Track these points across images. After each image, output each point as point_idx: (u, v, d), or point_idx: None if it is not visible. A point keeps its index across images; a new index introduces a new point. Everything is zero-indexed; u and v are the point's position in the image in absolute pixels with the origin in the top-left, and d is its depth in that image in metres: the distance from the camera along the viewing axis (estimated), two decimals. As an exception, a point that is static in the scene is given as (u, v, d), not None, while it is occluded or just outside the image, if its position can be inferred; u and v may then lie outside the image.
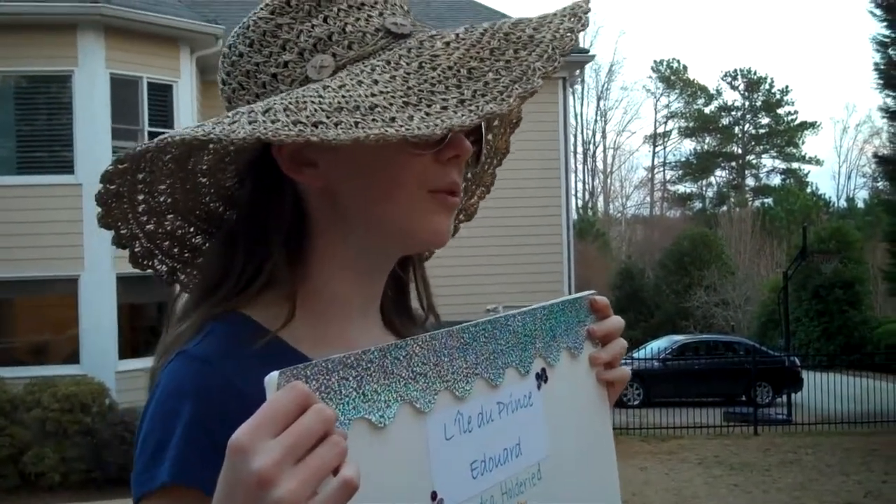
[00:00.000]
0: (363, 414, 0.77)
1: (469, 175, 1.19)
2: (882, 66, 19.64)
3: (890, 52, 19.38)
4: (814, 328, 28.92)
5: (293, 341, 0.98)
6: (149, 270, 1.11)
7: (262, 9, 1.01)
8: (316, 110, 0.86)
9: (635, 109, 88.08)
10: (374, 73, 0.91)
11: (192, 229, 1.10)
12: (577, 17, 0.96)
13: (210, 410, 0.87)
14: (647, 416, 17.38)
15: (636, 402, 20.32)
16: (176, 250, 1.11)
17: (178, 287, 1.13)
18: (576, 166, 50.68)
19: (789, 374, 20.91)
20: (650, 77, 64.70)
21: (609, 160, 57.99)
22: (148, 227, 1.07)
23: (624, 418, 17.31)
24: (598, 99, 58.70)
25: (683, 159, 59.95)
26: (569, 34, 0.94)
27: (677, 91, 60.39)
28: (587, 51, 19.44)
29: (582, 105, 56.31)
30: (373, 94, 0.87)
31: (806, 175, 59.31)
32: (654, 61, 65.60)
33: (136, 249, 1.08)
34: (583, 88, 55.42)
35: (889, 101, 19.93)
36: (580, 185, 55.10)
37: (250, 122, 0.85)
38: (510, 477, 0.91)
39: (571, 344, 1.03)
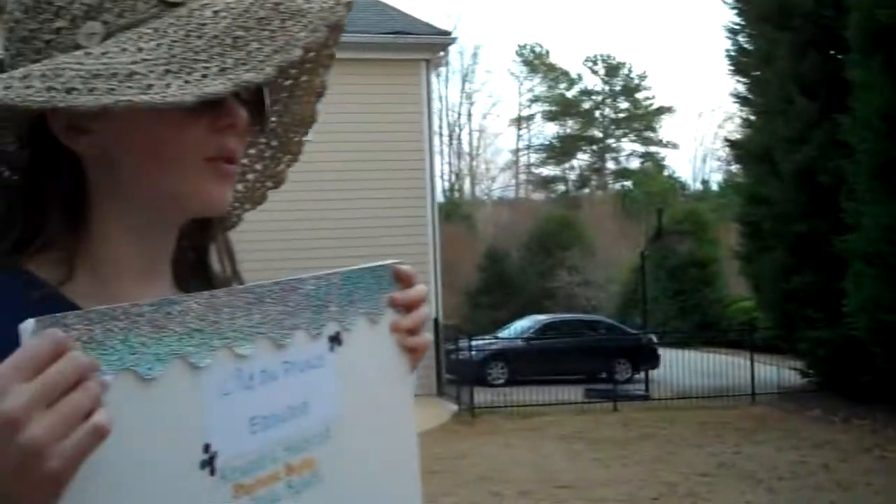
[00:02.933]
0: (129, 365, 0.77)
1: (274, 143, 1.21)
2: (733, 53, 20.33)
3: (740, 38, 20.05)
4: (670, 307, 29.91)
5: (76, 299, 0.97)
6: None
7: None
8: (73, 77, 0.86)
9: (500, 93, 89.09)
10: (139, 41, 0.90)
11: None
12: None
13: None
14: (511, 395, 17.64)
15: (501, 381, 20.63)
16: None
17: None
18: (441, 148, 50.98)
19: (647, 351, 21.61)
20: (514, 61, 65.68)
21: (475, 142, 58.60)
22: None
23: (489, 397, 17.51)
24: (463, 81, 59.19)
25: (547, 143, 61.09)
26: (337, 7, 0.96)
27: (540, 75, 61.38)
28: (450, 33, 19.38)
29: (447, 87, 56.63)
30: (134, 62, 0.87)
31: (663, 159, 61.29)
32: (518, 45, 66.46)
33: None
34: (447, 70, 55.74)
35: (740, 86, 20.62)
36: (446, 168, 55.50)
37: (4, 88, 0.85)
38: (295, 434, 0.93)
39: (371, 310, 1.04)
